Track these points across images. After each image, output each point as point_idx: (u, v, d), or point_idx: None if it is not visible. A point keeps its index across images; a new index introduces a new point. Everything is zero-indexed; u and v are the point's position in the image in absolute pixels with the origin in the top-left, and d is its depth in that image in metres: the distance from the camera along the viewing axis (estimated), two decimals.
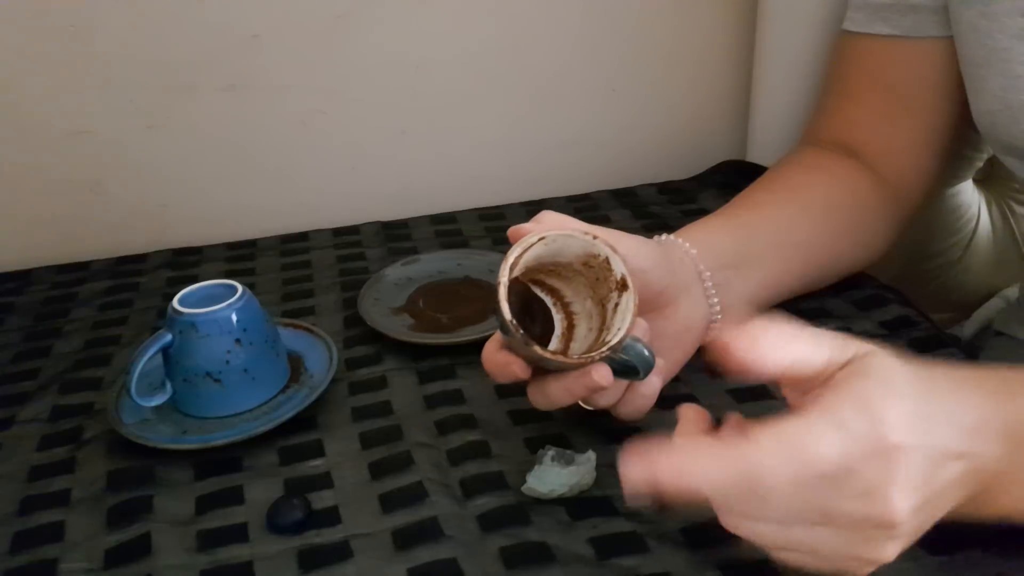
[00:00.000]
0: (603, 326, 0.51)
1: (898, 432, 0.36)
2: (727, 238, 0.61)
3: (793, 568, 0.40)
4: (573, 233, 0.49)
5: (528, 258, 0.49)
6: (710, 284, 0.58)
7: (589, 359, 0.47)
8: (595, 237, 0.49)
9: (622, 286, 0.50)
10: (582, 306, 0.53)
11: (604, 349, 0.48)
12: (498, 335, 0.51)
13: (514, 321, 0.46)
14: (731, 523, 0.40)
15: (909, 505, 0.36)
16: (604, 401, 0.52)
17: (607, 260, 0.50)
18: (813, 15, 0.84)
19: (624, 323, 0.48)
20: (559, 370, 0.49)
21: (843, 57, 0.74)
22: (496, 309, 0.47)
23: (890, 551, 0.37)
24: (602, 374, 0.48)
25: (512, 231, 0.50)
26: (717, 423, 0.43)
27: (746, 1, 0.94)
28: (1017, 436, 0.39)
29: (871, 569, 0.39)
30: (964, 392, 0.39)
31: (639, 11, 0.93)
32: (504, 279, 0.47)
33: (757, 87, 0.93)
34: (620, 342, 0.48)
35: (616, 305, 0.50)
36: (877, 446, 0.36)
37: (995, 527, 0.46)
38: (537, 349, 0.46)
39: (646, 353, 0.49)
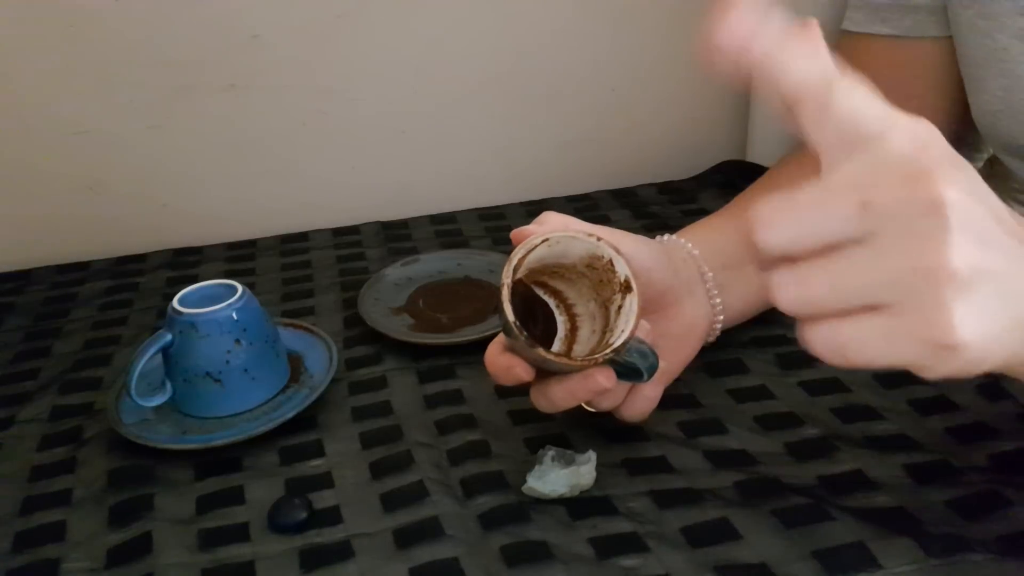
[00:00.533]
0: (606, 328, 0.51)
1: (945, 177, 0.31)
2: (729, 238, 0.61)
3: (858, 353, 0.33)
4: (577, 235, 0.49)
5: (531, 260, 0.49)
6: (712, 284, 0.58)
7: (592, 361, 0.47)
8: (599, 239, 0.49)
9: (625, 288, 0.49)
10: (585, 308, 0.53)
11: (608, 351, 0.48)
12: (501, 337, 0.51)
13: (518, 323, 0.46)
14: (782, 287, 0.34)
15: (955, 194, 0.31)
16: (607, 403, 0.52)
17: (611, 262, 0.50)
18: (813, 15, 0.84)
19: (627, 325, 0.48)
20: (562, 372, 0.49)
21: (842, 57, 0.74)
22: (499, 311, 0.47)
23: (954, 252, 0.31)
24: (606, 376, 0.48)
25: (515, 233, 0.50)
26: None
27: None
28: None
29: (940, 311, 0.31)
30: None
31: (639, 11, 0.93)
32: (507, 280, 0.47)
33: (757, 87, 0.93)
34: (624, 344, 0.48)
35: (619, 307, 0.50)
36: (909, 140, 0.32)
37: (993, 531, 0.46)
38: (541, 351, 0.46)
39: (649, 355, 0.49)
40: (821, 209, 0.32)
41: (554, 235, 0.49)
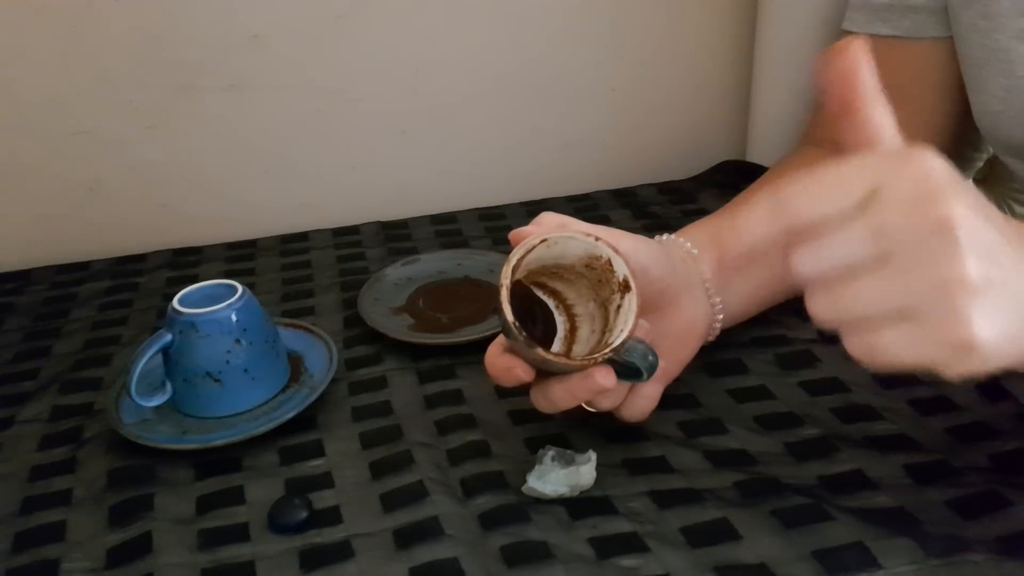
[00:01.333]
0: (605, 328, 0.51)
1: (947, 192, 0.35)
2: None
3: (888, 356, 0.37)
4: (575, 235, 0.49)
5: (530, 260, 0.49)
6: (711, 284, 0.58)
7: (592, 361, 0.47)
8: (597, 238, 0.49)
9: (624, 287, 0.50)
10: (584, 308, 0.53)
11: (607, 351, 0.48)
12: (501, 339, 0.51)
13: (517, 323, 0.46)
14: (816, 304, 0.38)
15: (962, 211, 0.34)
16: (607, 403, 0.52)
17: (609, 261, 0.50)
18: (813, 15, 0.84)
19: (626, 324, 0.48)
20: (562, 372, 0.49)
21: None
22: (498, 312, 0.47)
23: (966, 264, 0.34)
24: (605, 376, 0.48)
25: (513, 234, 0.50)
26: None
27: (746, 1, 0.94)
28: None
29: (965, 313, 0.34)
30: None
31: (639, 11, 0.93)
32: (506, 281, 0.47)
33: (757, 87, 0.93)
34: (623, 344, 0.48)
35: (618, 307, 0.50)
36: (914, 168, 0.35)
37: (993, 532, 0.46)
38: (540, 351, 0.46)
39: (649, 354, 0.49)
40: (841, 239, 0.36)
41: (552, 236, 0.49)
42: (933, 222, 0.34)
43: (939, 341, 0.35)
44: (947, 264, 0.34)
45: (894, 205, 0.35)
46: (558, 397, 0.49)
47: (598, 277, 0.51)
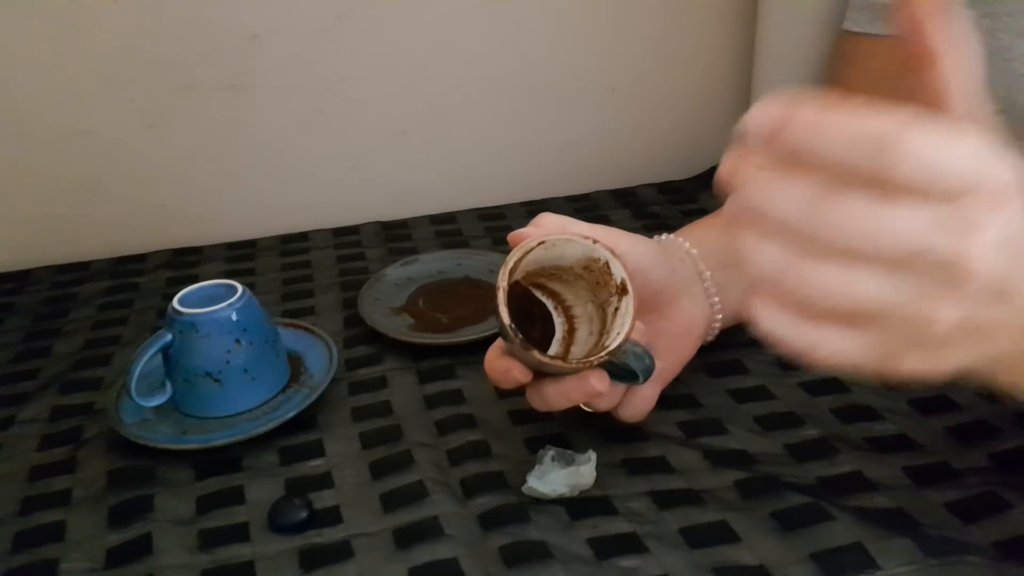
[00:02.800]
0: (603, 330, 0.51)
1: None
2: (728, 238, 0.61)
3: (832, 356, 0.35)
4: (573, 237, 0.50)
5: (528, 262, 0.49)
6: (711, 284, 0.58)
7: (587, 364, 0.47)
8: (595, 241, 0.50)
9: (622, 290, 0.50)
10: (583, 309, 0.53)
11: (603, 354, 0.48)
12: (500, 342, 0.51)
13: (512, 325, 0.46)
14: (781, 271, 0.35)
15: (992, 261, 0.31)
16: (604, 404, 0.52)
17: (607, 264, 0.50)
18: (813, 15, 0.84)
19: (623, 328, 0.49)
20: (558, 374, 0.49)
21: (844, 57, 0.74)
22: (496, 314, 0.47)
23: (948, 313, 0.31)
24: (599, 380, 0.48)
25: (512, 236, 0.50)
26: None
27: (746, 1, 0.94)
28: None
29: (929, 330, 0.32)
30: None
31: (639, 11, 0.93)
32: (503, 284, 0.47)
33: (757, 87, 0.93)
34: (619, 347, 0.48)
35: (616, 309, 0.50)
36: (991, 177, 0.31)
37: (992, 534, 0.46)
38: (536, 354, 0.47)
39: (644, 357, 0.49)
40: (903, 216, 0.31)
41: (550, 238, 0.49)
42: (958, 267, 0.31)
43: (877, 355, 0.33)
44: (935, 302, 0.31)
45: (965, 217, 0.30)
46: (552, 397, 0.50)
47: (596, 279, 0.51)
